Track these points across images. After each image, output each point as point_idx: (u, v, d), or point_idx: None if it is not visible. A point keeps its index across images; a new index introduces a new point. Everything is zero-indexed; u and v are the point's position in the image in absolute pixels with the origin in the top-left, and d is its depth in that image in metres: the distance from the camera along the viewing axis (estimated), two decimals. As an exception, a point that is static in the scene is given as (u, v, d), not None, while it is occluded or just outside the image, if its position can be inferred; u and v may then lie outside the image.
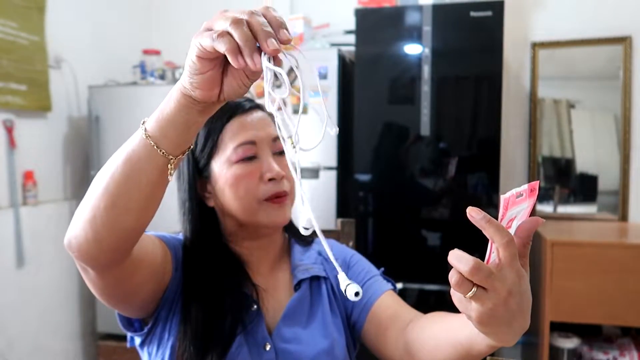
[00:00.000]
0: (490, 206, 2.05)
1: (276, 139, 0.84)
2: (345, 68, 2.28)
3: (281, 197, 0.82)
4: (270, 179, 0.81)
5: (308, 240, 0.94)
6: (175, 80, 2.46)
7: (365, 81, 2.15)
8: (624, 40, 2.36)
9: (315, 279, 0.90)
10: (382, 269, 0.97)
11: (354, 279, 0.90)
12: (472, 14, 2.02)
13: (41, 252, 2.33)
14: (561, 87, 2.49)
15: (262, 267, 0.88)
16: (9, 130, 2.15)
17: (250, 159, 0.82)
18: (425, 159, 2.13)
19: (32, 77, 2.23)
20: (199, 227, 0.86)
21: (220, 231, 0.88)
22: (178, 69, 2.48)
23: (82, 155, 2.58)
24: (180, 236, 0.91)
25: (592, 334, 2.14)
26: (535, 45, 2.47)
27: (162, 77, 2.51)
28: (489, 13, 2.00)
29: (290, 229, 0.93)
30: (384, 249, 2.17)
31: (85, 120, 2.52)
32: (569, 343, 1.98)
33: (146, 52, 2.59)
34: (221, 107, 0.77)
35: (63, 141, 2.48)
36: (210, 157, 0.83)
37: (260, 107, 0.87)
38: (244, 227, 0.85)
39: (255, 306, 0.82)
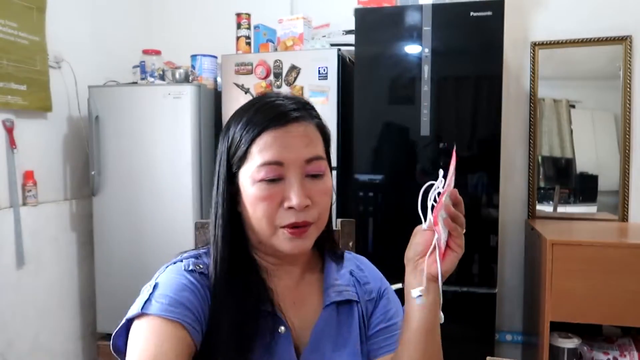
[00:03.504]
0: (490, 206, 2.05)
1: (311, 160, 0.74)
2: (345, 68, 2.28)
3: (300, 228, 0.74)
4: (290, 207, 0.73)
5: (339, 255, 0.89)
6: (175, 80, 2.46)
7: (365, 81, 2.15)
8: (624, 40, 2.36)
9: (346, 302, 0.84)
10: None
11: (382, 313, 0.87)
12: (472, 13, 2.02)
13: (41, 252, 2.33)
14: (561, 87, 2.49)
15: (288, 280, 0.83)
16: (9, 130, 2.15)
17: (273, 180, 0.73)
18: (425, 159, 2.13)
19: (32, 77, 2.23)
20: (229, 235, 0.78)
21: (247, 238, 0.81)
22: (178, 69, 2.48)
23: (82, 155, 2.58)
24: (202, 255, 0.81)
25: (592, 334, 2.13)
26: (535, 45, 2.47)
27: (162, 77, 2.51)
28: (489, 13, 2.00)
29: (322, 242, 0.86)
30: (384, 249, 2.17)
31: (85, 120, 2.52)
32: (569, 343, 1.98)
33: (146, 52, 2.59)
34: (259, 112, 0.75)
35: (63, 141, 2.48)
36: (239, 165, 0.76)
37: (304, 118, 0.76)
38: (263, 245, 0.79)
39: (282, 328, 0.77)
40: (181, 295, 0.71)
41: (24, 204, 2.23)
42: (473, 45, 2.05)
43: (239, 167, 0.76)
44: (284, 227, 0.74)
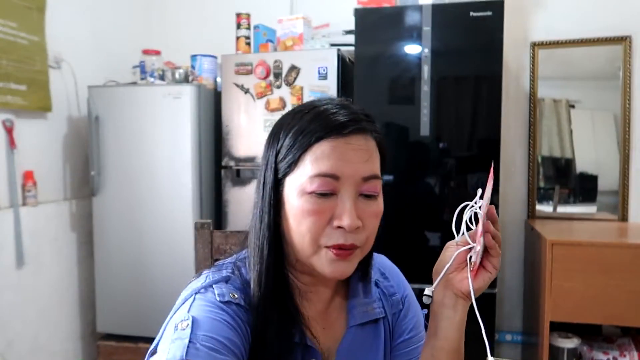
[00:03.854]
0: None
1: (369, 178, 0.68)
2: (345, 68, 2.28)
3: (345, 251, 0.67)
4: (339, 227, 0.67)
5: (366, 273, 0.81)
6: (175, 81, 2.46)
7: (365, 81, 2.15)
8: (624, 40, 2.36)
9: (373, 321, 0.79)
10: (425, 311, 0.87)
11: (404, 323, 0.83)
12: (472, 14, 2.02)
13: (41, 252, 2.33)
14: (561, 87, 2.49)
15: (319, 303, 0.77)
16: (9, 130, 2.15)
17: (325, 194, 0.66)
18: (425, 159, 2.13)
19: (32, 77, 2.23)
20: (274, 248, 0.71)
21: (283, 254, 0.73)
22: (178, 69, 2.48)
23: (82, 156, 2.58)
24: (231, 278, 0.73)
25: (592, 334, 2.14)
26: (535, 45, 2.47)
27: (162, 77, 2.51)
28: (488, 13, 2.00)
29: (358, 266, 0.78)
30: (384, 249, 2.16)
31: (85, 120, 2.52)
32: (569, 343, 1.98)
33: (146, 52, 2.59)
34: (317, 118, 0.67)
35: (63, 141, 2.48)
36: (286, 172, 0.69)
37: (366, 131, 0.69)
38: (300, 263, 0.72)
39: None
40: (225, 337, 0.63)
41: (24, 204, 2.22)
42: (473, 45, 2.05)
43: (285, 175, 0.69)
44: (328, 247, 0.67)
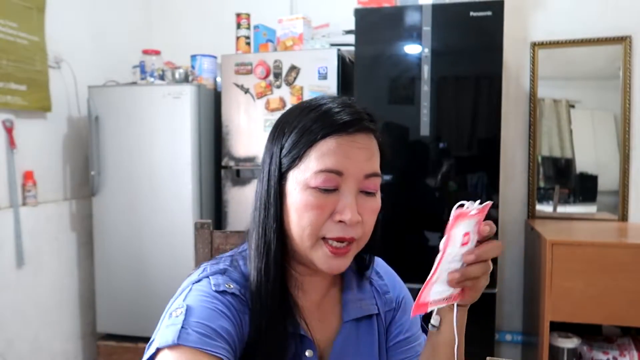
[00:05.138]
0: (490, 206, 2.05)
1: (370, 175, 0.70)
2: (345, 68, 2.28)
3: (344, 248, 0.70)
4: (340, 221, 0.69)
5: (362, 270, 0.84)
6: (175, 80, 2.46)
7: (365, 81, 2.15)
8: (624, 40, 2.36)
9: (367, 317, 0.81)
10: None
11: (400, 324, 0.85)
12: (472, 14, 2.02)
13: (41, 252, 2.33)
14: (561, 87, 2.49)
15: (314, 294, 0.79)
16: (9, 130, 2.15)
17: (328, 190, 0.69)
18: (425, 158, 2.13)
19: (32, 77, 2.23)
20: (280, 240, 0.72)
21: (283, 245, 0.74)
22: (178, 69, 2.48)
23: (82, 155, 2.58)
24: (228, 270, 0.74)
25: (592, 334, 2.14)
26: (535, 45, 2.47)
27: (161, 77, 2.51)
28: (488, 13, 2.00)
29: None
30: (385, 249, 2.16)
31: (85, 120, 2.52)
32: (569, 343, 1.98)
33: (146, 52, 2.59)
34: (323, 116, 0.70)
35: (63, 141, 2.48)
36: (290, 167, 0.71)
37: (371, 130, 0.72)
38: (298, 254, 0.74)
39: (310, 351, 0.74)
40: (218, 325, 0.65)
41: (24, 204, 2.22)
42: (473, 45, 2.05)
43: (289, 169, 0.71)
44: (327, 238, 0.70)
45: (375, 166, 0.72)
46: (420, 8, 2.08)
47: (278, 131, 0.74)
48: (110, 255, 2.46)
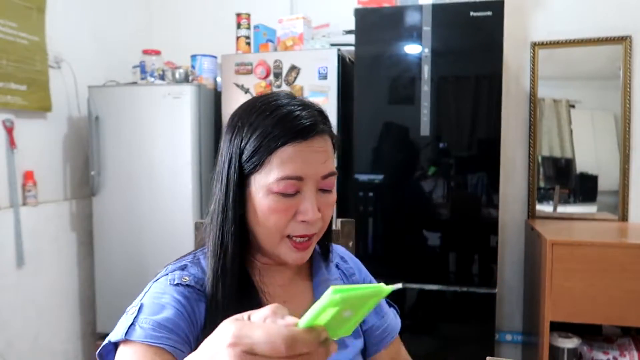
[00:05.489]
0: (490, 206, 2.05)
1: (327, 176, 0.76)
2: (345, 68, 2.28)
3: (306, 242, 0.76)
4: (303, 221, 0.74)
5: (327, 255, 0.89)
6: (175, 80, 2.46)
7: (365, 81, 2.15)
8: (624, 40, 2.36)
9: None
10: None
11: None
12: (472, 13, 2.02)
13: (41, 252, 2.33)
14: (561, 87, 2.49)
15: (280, 279, 0.83)
16: (9, 130, 2.15)
17: (290, 194, 0.73)
18: (425, 159, 2.13)
19: (32, 77, 2.23)
20: (238, 240, 0.76)
21: (246, 242, 0.80)
22: (178, 69, 2.48)
23: (82, 155, 2.58)
24: (189, 265, 0.79)
25: (592, 334, 2.14)
26: (535, 45, 2.47)
27: (162, 77, 2.51)
28: (488, 13, 2.00)
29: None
30: (384, 249, 2.17)
31: (85, 120, 2.52)
32: (569, 343, 1.98)
33: (146, 52, 2.59)
34: (282, 122, 0.72)
35: (63, 141, 2.48)
36: (252, 172, 0.74)
37: (324, 131, 0.76)
38: (263, 248, 0.79)
39: None
40: (164, 318, 0.69)
41: (24, 204, 2.22)
42: (473, 45, 2.05)
43: (251, 173, 0.74)
44: (291, 237, 0.75)
45: (331, 166, 0.77)
46: (420, 8, 2.08)
47: (235, 132, 0.76)
48: (110, 255, 2.47)
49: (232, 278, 0.75)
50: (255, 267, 0.81)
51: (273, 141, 0.72)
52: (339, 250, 0.95)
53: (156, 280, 0.77)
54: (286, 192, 0.72)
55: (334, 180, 0.78)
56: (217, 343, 0.44)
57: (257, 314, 0.46)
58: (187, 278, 0.76)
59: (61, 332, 2.47)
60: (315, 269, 0.87)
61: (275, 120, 0.73)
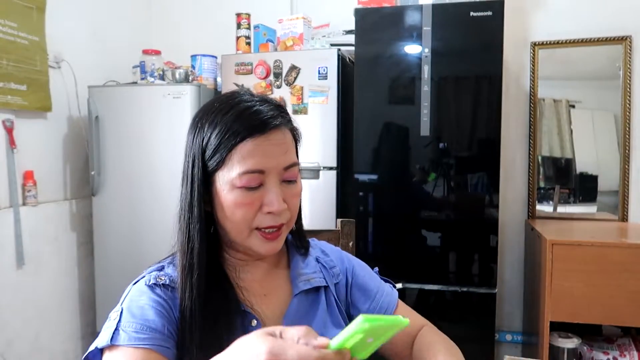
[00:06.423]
0: (490, 206, 2.05)
1: (289, 167, 0.77)
2: (345, 68, 2.28)
3: (275, 232, 0.78)
4: (269, 212, 0.76)
5: (306, 247, 0.92)
6: (175, 80, 2.46)
7: (365, 81, 2.15)
8: (624, 40, 2.36)
9: (315, 290, 0.87)
10: (376, 269, 0.99)
11: (364, 288, 0.93)
12: (472, 13, 2.02)
13: (41, 252, 2.33)
14: (561, 87, 2.49)
15: (257, 273, 0.85)
16: (9, 130, 2.15)
17: (254, 188, 0.75)
18: (425, 159, 2.13)
19: (32, 77, 2.23)
20: (206, 237, 0.78)
21: (217, 238, 0.83)
22: (178, 69, 2.49)
23: (82, 155, 2.58)
24: (166, 266, 0.81)
25: (592, 334, 2.13)
26: (535, 45, 2.47)
27: (162, 77, 2.51)
28: (488, 13, 2.00)
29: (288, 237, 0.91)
30: (384, 249, 2.17)
31: (85, 120, 2.52)
32: (568, 343, 1.98)
33: (146, 52, 2.59)
34: (240, 118, 0.74)
35: (63, 141, 2.48)
36: (215, 169, 0.76)
37: (283, 125, 0.78)
38: (235, 243, 0.81)
39: (254, 321, 0.79)
40: (146, 319, 0.72)
41: (24, 204, 2.22)
42: (473, 45, 2.05)
43: (215, 170, 0.76)
44: (260, 228, 0.77)
45: (292, 157, 0.79)
46: (420, 8, 2.08)
47: (197, 130, 0.78)
48: (110, 255, 2.47)
49: (199, 274, 0.76)
50: (230, 263, 0.83)
51: (232, 137, 0.74)
52: (320, 244, 0.97)
53: (135, 283, 0.79)
54: (249, 185, 0.74)
55: (296, 170, 0.79)
56: (251, 356, 0.49)
57: (288, 332, 0.51)
58: (163, 278, 0.78)
59: (61, 332, 2.47)
60: (292, 263, 0.89)
61: (233, 117, 0.75)
